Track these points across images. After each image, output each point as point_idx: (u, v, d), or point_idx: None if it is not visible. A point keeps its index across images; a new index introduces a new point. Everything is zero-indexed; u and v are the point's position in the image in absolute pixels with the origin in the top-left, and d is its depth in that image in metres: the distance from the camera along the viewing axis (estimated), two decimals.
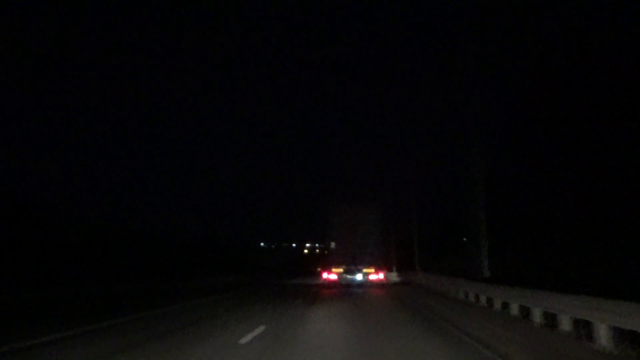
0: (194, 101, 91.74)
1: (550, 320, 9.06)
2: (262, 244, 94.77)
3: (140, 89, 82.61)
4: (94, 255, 26.96)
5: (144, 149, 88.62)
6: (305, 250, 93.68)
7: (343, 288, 20.63)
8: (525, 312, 10.39)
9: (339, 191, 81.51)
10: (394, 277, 35.98)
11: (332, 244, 21.94)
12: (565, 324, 8.31)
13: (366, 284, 21.34)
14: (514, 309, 10.94)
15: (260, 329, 8.97)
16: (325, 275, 21.69)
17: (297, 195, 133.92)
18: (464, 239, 28.58)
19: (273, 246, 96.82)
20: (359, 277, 21.25)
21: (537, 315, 9.60)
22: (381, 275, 22.10)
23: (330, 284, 21.42)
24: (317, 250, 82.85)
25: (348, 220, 21.95)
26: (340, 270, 21.18)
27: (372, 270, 21.43)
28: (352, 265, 21.32)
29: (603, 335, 6.93)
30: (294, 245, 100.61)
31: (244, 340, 7.73)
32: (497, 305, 12.21)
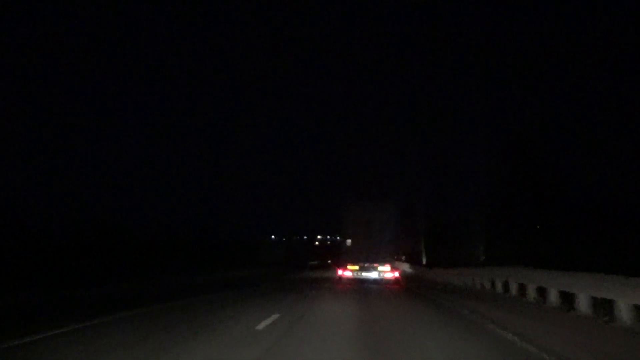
0: (205, 90, 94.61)
1: None
2: (272, 236, 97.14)
3: (139, 77, 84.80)
4: (104, 254, 26.58)
5: (155, 140, 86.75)
6: (317, 242, 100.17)
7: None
8: None
9: (353, 182, 77.63)
10: (407, 267, 34.89)
11: (348, 241, 22.69)
12: None
13: (381, 282, 21.68)
14: None
15: (314, 291, 17.07)
16: (340, 272, 22.53)
17: (309, 186, 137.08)
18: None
19: (284, 239, 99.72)
20: (374, 275, 21.63)
21: None
22: (396, 274, 22.56)
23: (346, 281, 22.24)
24: (329, 242, 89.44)
25: (363, 218, 22.37)
26: (356, 267, 21.82)
27: (388, 268, 21.79)
28: (367, 263, 21.79)
29: None
30: (305, 237, 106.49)
31: (311, 293, 15.84)
32: None
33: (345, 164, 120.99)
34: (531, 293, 12.74)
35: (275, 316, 9.45)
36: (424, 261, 34.36)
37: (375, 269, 21.56)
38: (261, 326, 8.27)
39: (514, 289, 14.09)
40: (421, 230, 37.36)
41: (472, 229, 29.53)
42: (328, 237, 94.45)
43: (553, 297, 11.31)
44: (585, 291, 9.78)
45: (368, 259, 21.67)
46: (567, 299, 10.60)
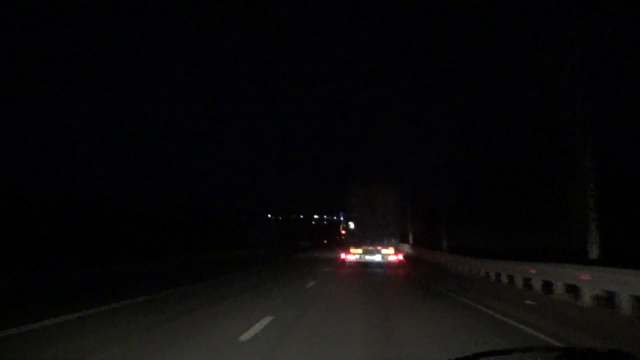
0: (208, 69, 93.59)
1: None
2: (269, 215, 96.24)
3: (142, 59, 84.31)
4: (109, 235, 26.57)
5: (149, 116, 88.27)
6: (313, 222, 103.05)
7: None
8: None
9: (357, 161, 79.69)
10: (408, 248, 33.78)
11: (351, 224, 22.51)
12: None
13: (385, 265, 21.56)
14: None
15: (332, 268, 20.76)
16: (343, 255, 22.40)
17: (308, 165, 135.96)
18: None
19: (280, 218, 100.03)
20: (377, 258, 21.55)
21: None
22: (400, 257, 22.33)
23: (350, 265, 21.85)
24: (325, 222, 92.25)
25: (367, 201, 22.20)
26: (360, 251, 21.66)
27: (392, 251, 21.69)
28: (371, 246, 21.67)
29: None
30: (301, 216, 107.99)
31: (327, 270, 19.38)
32: None
33: (350, 140, 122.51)
34: None
35: None
36: (445, 246, 28.74)
37: (379, 252, 21.60)
38: None
39: None
40: (443, 210, 31.45)
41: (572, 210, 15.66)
42: (325, 216, 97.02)
43: None
44: None
45: (372, 242, 21.70)
46: None
